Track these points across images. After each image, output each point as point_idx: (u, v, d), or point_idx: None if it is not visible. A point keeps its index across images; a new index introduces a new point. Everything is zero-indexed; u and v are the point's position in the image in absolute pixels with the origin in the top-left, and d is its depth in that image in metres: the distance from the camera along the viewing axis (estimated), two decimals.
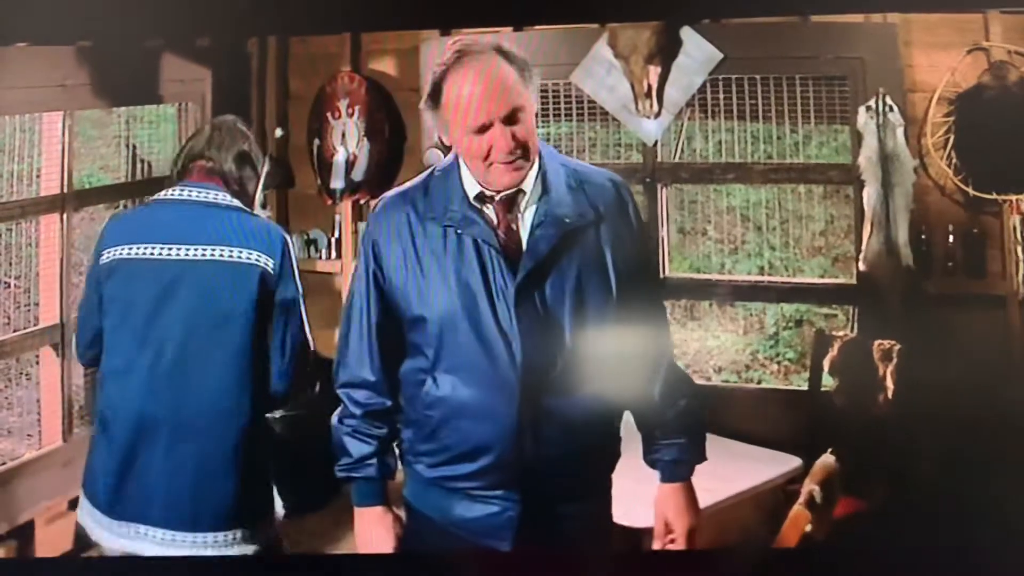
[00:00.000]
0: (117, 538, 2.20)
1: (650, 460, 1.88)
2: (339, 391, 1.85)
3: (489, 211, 1.75)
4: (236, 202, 2.23)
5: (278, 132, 3.39)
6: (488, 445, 1.73)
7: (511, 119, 1.68)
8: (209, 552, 2.17)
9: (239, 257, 2.15)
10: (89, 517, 2.23)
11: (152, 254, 2.14)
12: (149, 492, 2.15)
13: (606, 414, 1.80)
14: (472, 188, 1.75)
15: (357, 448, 1.82)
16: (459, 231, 1.74)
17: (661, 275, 1.83)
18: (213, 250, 2.14)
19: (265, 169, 3.05)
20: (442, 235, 1.74)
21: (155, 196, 2.28)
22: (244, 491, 2.17)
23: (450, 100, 1.69)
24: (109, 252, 2.19)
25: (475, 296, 1.71)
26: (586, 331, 1.72)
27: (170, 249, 2.15)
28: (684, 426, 1.86)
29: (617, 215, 1.75)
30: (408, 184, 1.83)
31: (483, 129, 1.68)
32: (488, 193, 1.74)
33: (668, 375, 1.84)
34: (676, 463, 1.86)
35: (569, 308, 1.71)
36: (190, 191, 2.22)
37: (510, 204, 1.74)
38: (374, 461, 1.82)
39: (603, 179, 1.78)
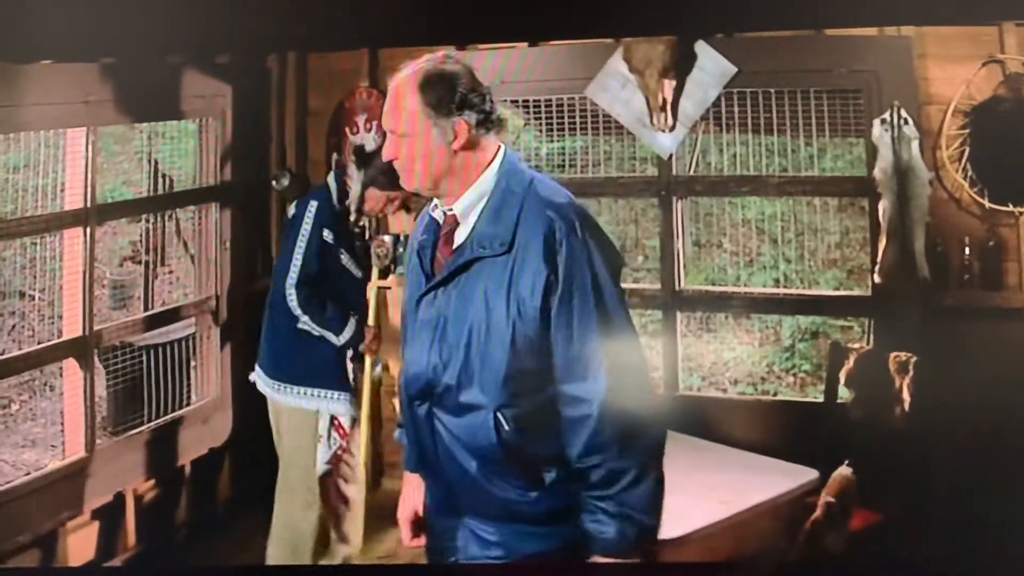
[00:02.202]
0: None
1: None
2: None
3: (442, 222, 1.80)
4: None
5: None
6: (410, 437, 1.83)
7: (394, 135, 1.75)
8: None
9: None
10: None
11: None
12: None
13: (496, 443, 1.70)
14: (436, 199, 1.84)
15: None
16: (417, 238, 1.84)
17: (616, 314, 1.67)
18: None
19: (284, 183, 3.11)
20: (416, 242, 1.86)
21: None
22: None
23: None
24: None
25: (412, 300, 1.82)
26: (481, 360, 1.69)
27: None
28: (610, 496, 1.67)
29: (541, 250, 1.67)
30: None
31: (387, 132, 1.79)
32: (441, 206, 1.80)
33: (597, 430, 1.66)
34: (597, 537, 1.68)
35: (467, 333, 1.71)
36: None
37: (457, 220, 1.78)
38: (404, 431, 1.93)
39: (544, 212, 1.69)
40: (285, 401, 2.96)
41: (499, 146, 1.77)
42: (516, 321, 1.67)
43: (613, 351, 1.69)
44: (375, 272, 3.15)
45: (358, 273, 3.03)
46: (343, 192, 2.96)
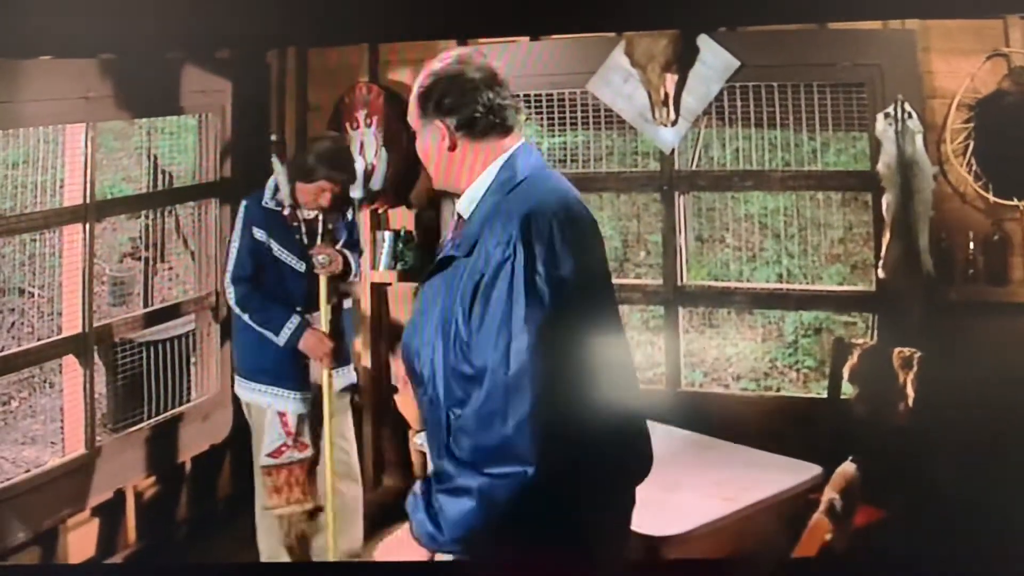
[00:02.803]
0: None
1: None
2: None
3: (458, 223, 1.84)
4: None
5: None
6: None
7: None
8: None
9: None
10: None
11: None
12: None
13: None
14: None
15: None
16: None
17: (516, 332, 1.61)
18: None
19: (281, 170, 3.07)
20: None
21: None
22: None
23: None
24: None
25: None
26: (440, 352, 1.70)
27: None
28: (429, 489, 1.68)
29: (483, 255, 1.67)
30: None
31: None
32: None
33: (457, 432, 1.66)
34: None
35: (431, 326, 1.73)
36: None
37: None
38: None
39: (507, 221, 1.67)
40: (243, 395, 3.03)
41: (512, 145, 1.77)
42: (457, 323, 1.68)
43: (502, 366, 1.63)
44: (322, 280, 3.00)
45: (301, 268, 3.00)
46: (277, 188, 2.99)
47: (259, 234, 2.99)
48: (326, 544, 3.02)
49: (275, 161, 3.01)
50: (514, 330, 1.62)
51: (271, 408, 2.99)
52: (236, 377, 3.08)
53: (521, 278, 1.63)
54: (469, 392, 1.67)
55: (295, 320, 2.95)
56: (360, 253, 3.23)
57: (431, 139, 1.77)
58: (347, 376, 3.13)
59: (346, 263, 3.05)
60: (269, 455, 3.01)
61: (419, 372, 1.75)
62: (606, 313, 1.78)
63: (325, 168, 2.97)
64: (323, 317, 3.00)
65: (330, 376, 3.01)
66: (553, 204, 1.71)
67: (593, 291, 1.74)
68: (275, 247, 2.99)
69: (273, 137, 3.27)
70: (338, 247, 3.05)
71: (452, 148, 1.75)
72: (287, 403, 2.99)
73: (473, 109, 1.74)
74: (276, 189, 3.01)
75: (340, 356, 3.07)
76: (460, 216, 1.80)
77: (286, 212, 3.00)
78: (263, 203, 3.01)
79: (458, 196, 1.80)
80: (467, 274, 1.69)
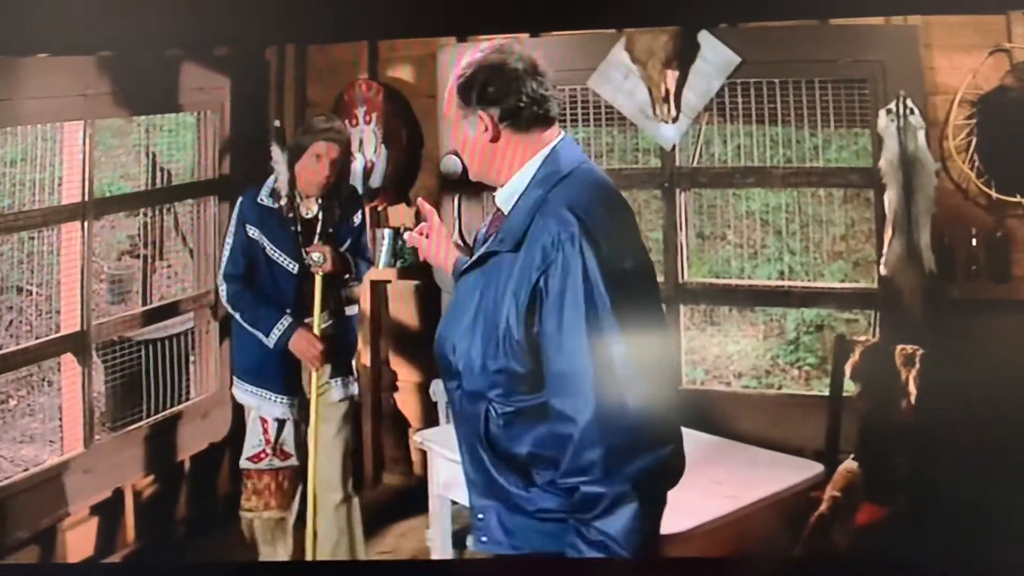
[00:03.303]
0: None
1: None
2: None
3: (495, 216, 1.82)
4: None
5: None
6: None
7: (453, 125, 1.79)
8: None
9: None
10: None
11: None
12: None
13: (484, 435, 1.71)
14: None
15: None
16: (480, 230, 1.88)
17: (608, 328, 1.60)
18: None
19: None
20: None
21: None
22: None
23: None
24: None
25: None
26: (480, 352, 1.69)
27: None
28: (586, 522, 1.64)
29: (539, 256, 1.65)
30: None
31: None
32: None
33: (578, 451, 1.62)
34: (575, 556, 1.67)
35: (471, 320, 1.72)
36: None
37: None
38: None
39: (551, 218, 1.66)
40: (237, 395, 3.00)
41: (553, 138, 1.75)
42: (509, 321, 1.66)
43: (607, 367, 1.62)
44: (318, 280, 2.92)
45: (293, 269, 2.92)
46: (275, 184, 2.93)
47: (252, 232, 2.93)
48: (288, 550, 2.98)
49: (275, 148, 2.94)
50: (605, 327, 1.61)
51: (255, 411, 2.96)
52: (233, 377, 3.06)
53: (598, 274, 1.62)
54: (513, 389, 1.67)
55: (286, 321, 2.88)
56: (369, 262, 3.14)
57: (471, 130, 1.74)
58: (346, 388, 3.02)
59: (344, 263, 2.98)
60: (248, 458, 2.98)
61: (453, 365, 1.74)
62: (658, 305, 1.83)
63: (317, 128, 2.91)
64: (316, 318, 2.92)
65: (319, 380, 2.94)
66: (606, 198, 1.73)
67: (650, 282, 1.77)
68: (268, 246, 2.93)
69: (276, 123, 3.21)
70: (341, 249, 2.97)
71: (495, 139, 1.72)
72: (272, 407, 2.93)
73: (517, 99, 1.71)
74: (274, 184, 2.95)
75: (339, 365, 2.99)
76: (498, 210, 1.78)
77: (283, 203, 2.91)
78: (258, 199, 2.95)
79: (492, 189, 1.79)
80: (518, 270, 1.66)
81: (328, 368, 2.96)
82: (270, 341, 2.88)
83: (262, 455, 2.96)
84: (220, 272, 2.97)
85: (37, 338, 3.38)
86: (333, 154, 2.90)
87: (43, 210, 3.22)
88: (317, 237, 2.94)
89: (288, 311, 2.90)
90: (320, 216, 2.94)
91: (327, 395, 2.97)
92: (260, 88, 3.69)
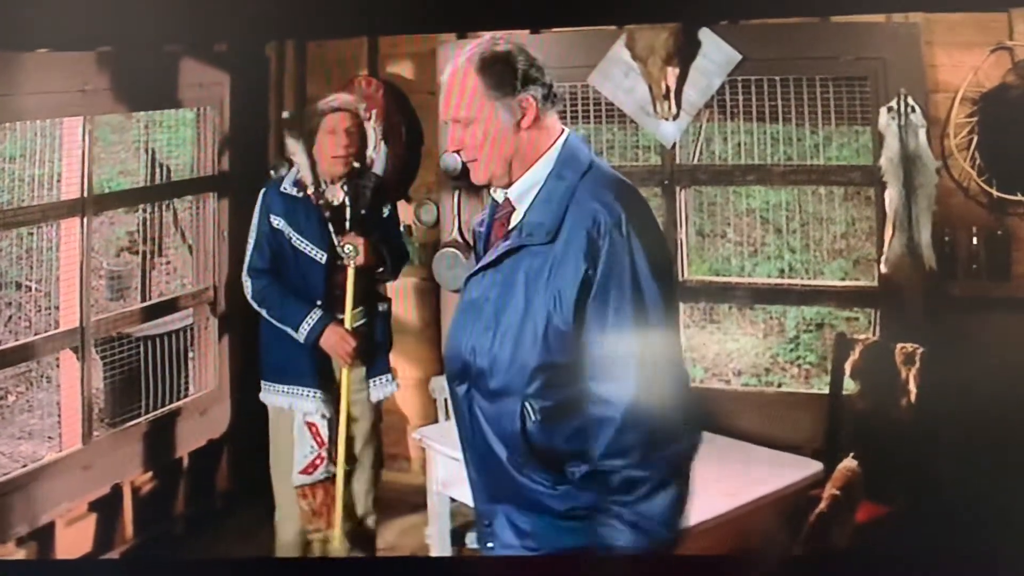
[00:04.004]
0: None
1: None
2: None
3: (498, 212, 1.79)
4: None
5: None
6: None
7: (457, 123, 1.72)
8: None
9: None
10: None
11: None
12: None
13: (519, 433, 1.68)
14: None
15: None
16: (478, 228, 1.84)
17: (654, 313, 1.65)
18: None
19: (283, 172, 2.98)
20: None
21: None
22: None
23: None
24: None
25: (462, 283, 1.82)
26: (514, 347, 1.67)
27: None
28: (626, 504, 1.64)
29: (583, 244, 1.64)
30: None
31: (447, 122, 1.75)
32: (496, 197, 1.79)
33: (620, 433, 1.63)
34: (609, 544, 1.66)
35: (503, 319, 1.69)
36: None
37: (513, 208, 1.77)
38: None
39: (591, 205, 1.66)
40: (267, 400, 2.85)
41: (561, 130, 1.74)
42: (552, 314, 1.65)
43: (649, 352, 1.65)
44: (351, 271, 2.77)
45: (321, 259, 2.79)
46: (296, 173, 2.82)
47: (277, 222, 2.78)
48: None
49: (289, 140, 2.83)
50: (651, 313, 1.63)
51: (298, 418, 2.80)
52: (262, 380, 2.87)
53: (644, 263, 1.63)
54: (554, 382, 1.65)
55: (316, 314, 2.74)
56: (404, 256, 3.01)
57: (504, 119, 1.69)
58: (385, 387, 2.90)
59: (378, 255, 2.82)
60: (302, 472, 2.80)
61: (473, 366, 1.71)
62: (676, 298, 1.87)
63: (323, 106, 2.79)
64: (348, 313, 2.79)
65: (349, 377, 2.81)
66: (632, 190, 1.73)
67: (674, 276, 1.82)
68: (294, 236, 2.78)
69: (285, 114, 3.11)
70: (371, 239, 2.81)
71: (536, 124, 1.69)
72: (306, 402, 2.78)
73: (551, 79, 1.71)
74: (297, 175, 2.82)
75: (377, 363, 2.87)
76: (497, 205, 1.76)
77: (308, 191, 2.78)
78: (281, 189, 2.81)
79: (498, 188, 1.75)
80: (559, 261, 1.65)
81: (363, 369, 2.85)
82: (300, 335, 2.74)
83: (317, 462, 2.81)
84: (245, 267, 2.82)
85: (36, 334, 3.38)
86: (346, 123, 2.77)
87: (42, 206, 3.22)
88: (348, 223, 2.79)
89: (318, 303, 2.77)
90: (347, 202, 2.81)
91: (363, 395, 2.87)
92: (260, 84, 3.68)
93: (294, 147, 2.81)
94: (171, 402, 3.56)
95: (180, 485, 3.47)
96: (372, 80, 3.56)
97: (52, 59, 3.01)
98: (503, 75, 1.69)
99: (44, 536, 3.02)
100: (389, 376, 2.92)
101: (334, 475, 2.82)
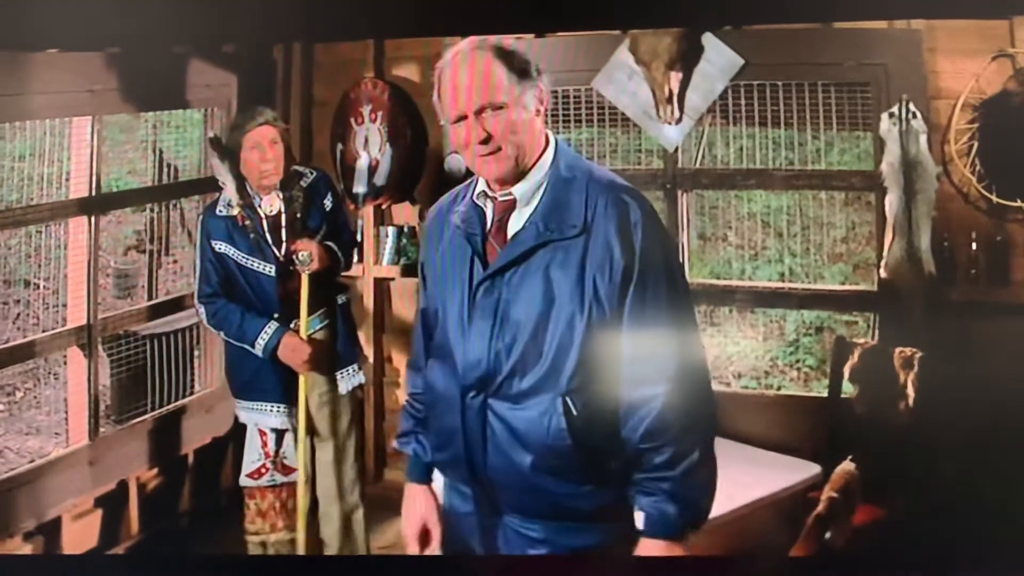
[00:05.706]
0: None
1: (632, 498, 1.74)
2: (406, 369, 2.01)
3: (489, 209, 1.77)
4: None
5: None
6: (448, 435, 1.77)
7: (485, 112, 1.70)
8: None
9: None
10: None
11: None
12: None
13: (565, 433, 1.68)
14: (480, 185, 1.79)
15: (404, 423, 1.92)
16: (459, 226, 1.79)
17: (684, 300, 1.72)
18: None
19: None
20: (452, 230, 1.80)
21: None
22: None
23: (440, 92, 1.75)
24: None
25: (457, 289, 1.76)
26: (550, 343, 1.67)
27: None
28: (671, 478, 1.68)
29: (616, 234, 1.67)
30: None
31: (461, 119, 1.72)
32: (489, 193, 1.77)
33: (663, 414, 1.67)
34: (656, 518, 1.70)
35: (534, 317, 1.69)
36: None
37: (512, 206, 1.75)
38: (410, 438, 1.89)
39: (615, 196, 1.70)
40: (239, 415, 2.91)
41: (547, 132, 1.77)
42: (592, 304, 1.67)
43: (683, 336, 1.72)
44: (305, 277, 2.77)
45: (270, 272, 2.78)
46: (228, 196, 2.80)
47: (219, 246, 2.78)
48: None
49: (213, 160, 2.80)
50: (683, 300, 1.73)
51: (251, 424, 2.86)
52: (234, 400, 2.94)
53: (672, 251, 1.75)
54: (593, 373, 1.68)
55: (271, 327, 2.75)
56: (352, 241, 3.01)
57: (530, 104, 1.71)
58: (352, 377, 2.92)
59: (331, 257, 2.83)
60: (248, 475, 2.87)
61: (499, 370, 1.69)
62: None
63: (243, 122, 2.77)
64: (303, 322, 2.79)
65: (306, 385, 2.81)
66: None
67: None
68: (239, 255, 2.78)
69: (210, 135, 3.03)
70: (317, 239, 2.81)
71: (545, 111, 1.74)
72: (269, 418, 2.82)
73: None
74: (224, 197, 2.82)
75: (343, 356, 2.89)
76: (505, 205, 1.75)
77: (240, 211, 2.77)
78: (217, 212, 2.80)
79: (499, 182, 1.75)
80: (590, 253, 1.67)
81: (321, 375, 2.86)
82: (258, 350, 2.75)
83: (262, 470, 2.86)
84: (195, 295, 2.82)
85: (44, 331, 3.40)
86: (270, 135, 2.74)
87: (51, 205, 3.25)
88: (284, 232, 2.78)
89: (275, 316, 2.78)
90: (281, 210, 2.79)
91: (335, 393, 2.88)
92: (267, 85, 3.70)
93: (218, 166, 2.78)
94: (176, 400, 3.59)
95: (185, 482, 3.50)
96: (378, 82, 3.58)
97: (61, 59, 3.03)
98: (523, 63, 1.72)
99: (51, 531, 3.05)
100: (355, 367, 2.93)
101: (281, 483, 2.87)
